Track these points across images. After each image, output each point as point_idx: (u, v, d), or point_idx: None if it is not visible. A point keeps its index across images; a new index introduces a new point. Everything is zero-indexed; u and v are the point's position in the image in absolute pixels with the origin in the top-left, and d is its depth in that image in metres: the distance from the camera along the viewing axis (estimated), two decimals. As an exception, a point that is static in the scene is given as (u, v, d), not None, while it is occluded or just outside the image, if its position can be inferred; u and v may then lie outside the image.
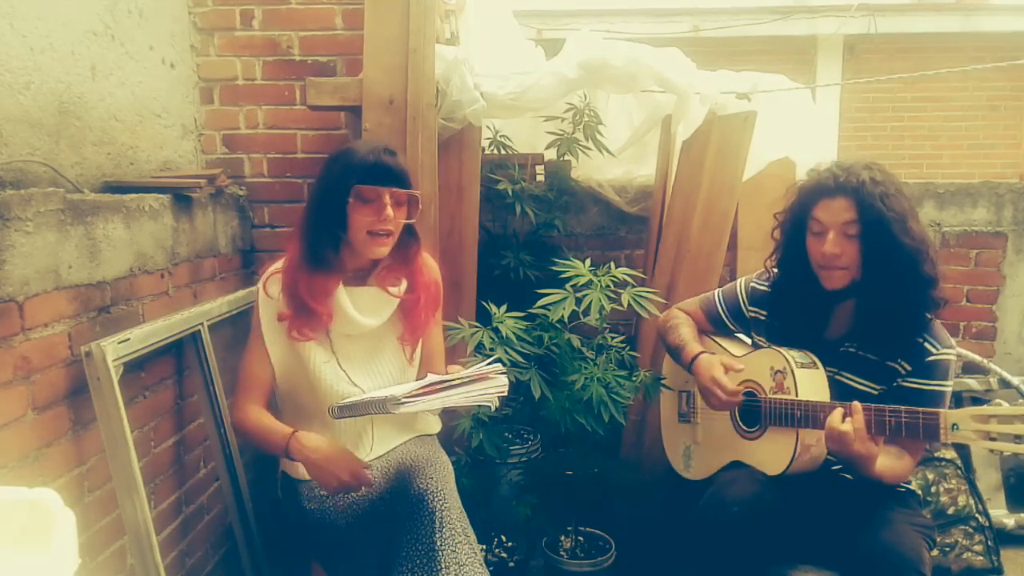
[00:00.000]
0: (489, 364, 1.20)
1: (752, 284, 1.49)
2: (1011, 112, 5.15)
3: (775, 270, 1.42)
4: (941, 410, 1.13)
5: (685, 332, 1.51)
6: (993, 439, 1.07)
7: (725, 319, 1.52)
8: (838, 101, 5.14)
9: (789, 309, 1.38)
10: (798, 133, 2.11)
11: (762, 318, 1.46)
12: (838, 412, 1.19)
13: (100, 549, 1.29)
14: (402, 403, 1.09)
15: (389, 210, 1.27)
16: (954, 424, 1.10)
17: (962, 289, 2.35)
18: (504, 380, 1.18)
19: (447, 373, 1.30)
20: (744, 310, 1.49)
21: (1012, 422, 1.06)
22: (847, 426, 1.16)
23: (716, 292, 1.55)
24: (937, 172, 5.10)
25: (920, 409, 1.14)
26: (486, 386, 1.17)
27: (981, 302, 2.35)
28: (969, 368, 2.29)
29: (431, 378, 1.15)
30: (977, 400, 2.26)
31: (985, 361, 2.24)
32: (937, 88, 5.08)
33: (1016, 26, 4.92)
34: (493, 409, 1.22)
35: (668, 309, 1.62)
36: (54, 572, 0.75)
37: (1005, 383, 2.22)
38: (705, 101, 1.93)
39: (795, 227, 1.33)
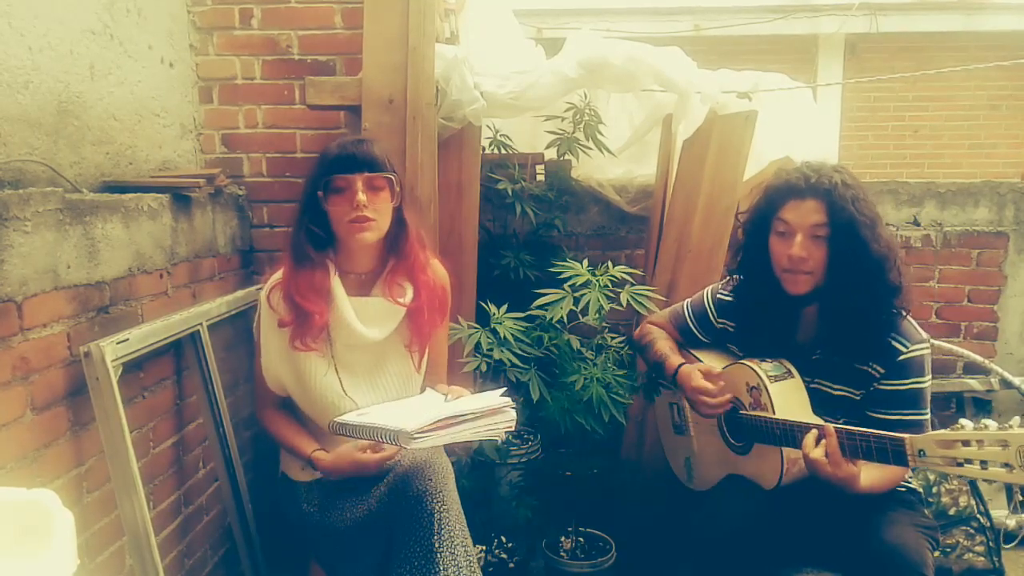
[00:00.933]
0: (500, 396, 1.21)
1: (718, 295, 1.45)
2: (1013, 111, 5.14)
3: (737, 276, 1.39)
4: (906, 436, 1.08)
5: (662, 346, 1.48)
6: (960, 464, 1.01)
7: (695, 331, 1.49)
8: (839, 100, 5.13)
9: (754, 317, 1.35)
10: (799, 132, 2.10)
11: (731, 329, 1.43)
12: (811, 436, 1.16)
13: (99, 550, 1.29)
14: (415, 438, 1.09)
15: (361, 195, 1.26)
16: (921, 450, 1.05)
17: (963, 289, 2.34)
18: (512, 415, 1.19)
19: (448, 390, 1.30)
20: (713, 320, 1.46)
21: (977, 446, 0.99)
22: (818, 452, 1.14)
23: (684, 304, 1.52)
24: (938, 171, 5.09)
25: (887, 435, 1.10)
26: (495, 420, 1.17)
27: (982, 302, 2.34)
28: (970, 368, 2.29)
29: (444, 411, 1.15)
30: (978, 400, 2.26)
31: (986, 361, 2.24)
32: (939, 87, 5.06)
33: (1018, 25, 4.91)
34: (500, 443, 1.22)
35: (641, 325, 1.59)
36: (53, 573, 0.75)
37: (1006, 383, 2.22)
38: (706, 100, 1.92)
39: (759, 228, 1.30)
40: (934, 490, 1.99)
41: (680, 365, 1.41)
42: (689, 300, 1.52)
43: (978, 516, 1.96)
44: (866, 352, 1.25)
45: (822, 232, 1.21)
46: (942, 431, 1.05)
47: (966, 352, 2.26)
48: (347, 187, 1.27)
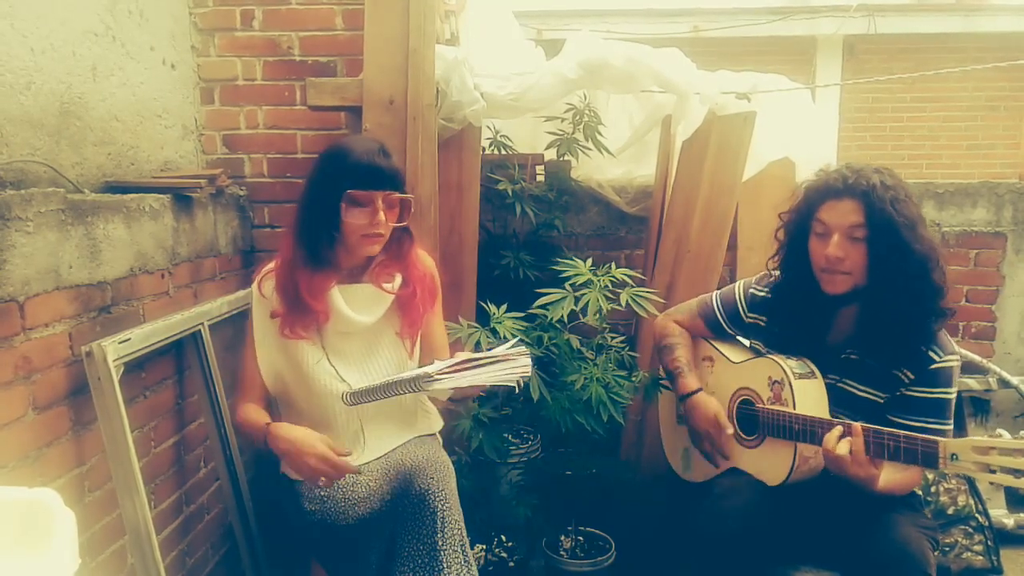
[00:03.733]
0: (513, 346, 1.20)
1: (751, 290, 1.45)
2: (1010, 112, 5.15)
3: (777, 272, 1.40)
4: (940, 439, 1.09)
5: (681, 356, 1.48)
6: (993, 471, 1.03)
7: (724, 325, 1.49)
8: (838, 101, 5.14)
9: (790, 313, 1.36)
10: (798, 133, 2.11)
11: (762, 324, 1.43)
12: (835, 432, 1.16)
13: (100, 549, 1.29)
14: (435, 379, 1.09)
15: (381, 214, 1.27)
16: (953, 454, 1.07)
17: (961, 289, 2.35)
18: (527, 361, 1.18)
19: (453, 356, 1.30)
20: (743, 316, 1.46)
21: (1013, 455, 1.02)
22: (843, 449, 1.14)
23: (714, 296, 1.52)
24: (936, 172, 5.10)
25: (919, 436, 1.11)
26: (511, 366, 1.17)
27: (980, 302, 2.35)
28: (968, 368, 2.29)
29: (461, 356, 1.15)
30: (976, 400, 2.27)
31: (984, 361, 2.25)
32: (937, 88, 5.07)
33: (1016, 26, 4.92)
34: (517, 391, 1.21)
35: (663, 316, 1.59)
36: (54, 572, 0.75)
37: (1004, 383, 2.23)
38: (705, 101, 1.93)
39: (799, 228, 1.30)
40: (932, 489, 2.00)
41: (696, 391, 1.42)
42: (718, 292, 1.52)
43: (976, 515, 1.97)
44: (900, 357, 1.25)
45: (860, 233, 1.21)
46: (979, 438, 1.07)
47: (964, 352, 2.27)
48: (368, 203, 1.27)
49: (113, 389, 1.22)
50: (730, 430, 1.36)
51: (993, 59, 3.16)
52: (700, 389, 1.43)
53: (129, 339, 1.28)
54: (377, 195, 1.27)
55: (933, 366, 1.24)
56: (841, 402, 1.28)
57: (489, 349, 1.24)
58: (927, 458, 1.10)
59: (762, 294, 1.43)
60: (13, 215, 1.08)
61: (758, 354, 1.41)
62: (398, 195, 1.30)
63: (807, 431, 1.23)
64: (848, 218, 1.22)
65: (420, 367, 1.37)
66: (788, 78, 2.15)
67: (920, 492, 1.39)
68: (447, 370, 1.10)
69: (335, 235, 1.29)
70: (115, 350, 1.24)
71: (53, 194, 1.17)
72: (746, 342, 1.49)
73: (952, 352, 1.26)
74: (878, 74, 4.66)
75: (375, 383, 1.19)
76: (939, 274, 1.23)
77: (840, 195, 1.23)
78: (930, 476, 2.01)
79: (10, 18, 1.25)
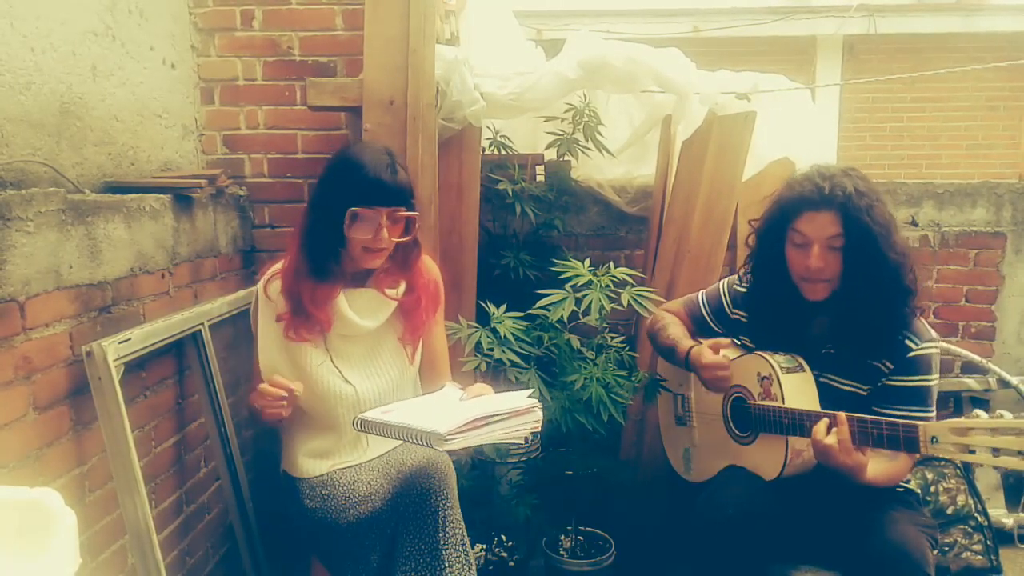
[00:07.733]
0: (527, 397, 1.20)
1: (734, 287, 1.48)
2: (1010, 112, 5.15)
3: (749, 276, 1.42)
4: (920, 423, 1.11)
5: (675, 331, 1.50)
6: (972, 452, 1.04)
7: (709, 321, 1.51)
8: (838, 101, 5.14)
9: (768, 316, 1.37)
10: (798, 133, 2.11)
11: (744, 320, 1.45)
12: (822, 424, 1.18)
13: (101, 549, 1.30)
14: (447, 440, 1.07)
15: (385, 232, 1.27)
16: (933, 437, 1.08)
17: (961, 289, 2.35)
18: (539, 415, 1.18)
19: (468, 390, 1.29)
20: (728, 312, 1.48)
21: (991, 434, 1.03)
22: (831, 439, 1.15)
23: (699, 294, 1.55)
24: (936, 172, 5.10)
25: (900, 422, 1.13)
26: (523, 421, 1.16)
27: (980, 302, 2.35)
28: (968, 368, 2.30)
29: (474, 412, 1.13)
30: (976, 400, 2.27)
31: (984, 361, 2.25)
32: (936, 88, 5.07)
33: (1016, 26, 4.92)
34: (523, 444, 1.20)
35: (655, 312, 1.60)
36: (55, 572, 0.75)
37: (1004, 383, 2.23)
38: (705, 101, 1.93)
39: (774, 236, 1.31)
40: (932, 489, 2.00)
41: (692, 347, 1.43)
42: (704, 291, 1.55)
43: (976, 515, 1.97)
44: (877, 348, 1.27)
45: (837, 243, 1.23)
46: (957, 419, 1.09)
47: (964, 352, 2.27)
48: (371, 218, 1.27)
49: (113, 389, 1.22)
50: (727, 341, 1.40)
51: (993, 59, 3.16)
52: (695, 344, 1.44)
53: (129, 339, 1.29)
54: (382, 211, 1.27)
55: (911, 354, 1.25)
56: (826, 397, 1.29)
57: (502, 393, 1.23)
58: (908, 443, 1.12)
59: (743, 290, 1.46)
60: (13, 215, 1.08)
61: (747, 351, 1.42)
62: (404, 212, 1.29)
63: (796, 424, 1.24)
64: (827, 230, 1.23)
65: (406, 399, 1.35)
66: (788, 78, 2.15)
67: (919, 492, 1.39)
68: (459, 429, 1.09)
69: (339, 250, 1.29)
70: (115, 350, 1.24)
71: (53, 194, 1.17)
72: (736, 342, 1.50)
73: (929, 339, 1.26)
74: (878, 74, 4.66)
75: (389, 419, 1.16)
76: (911, 278, 1.25)
77: (818, 206, 1.23)
78: (929, 476, 2.02)
79: (9, 18, 1.25)
